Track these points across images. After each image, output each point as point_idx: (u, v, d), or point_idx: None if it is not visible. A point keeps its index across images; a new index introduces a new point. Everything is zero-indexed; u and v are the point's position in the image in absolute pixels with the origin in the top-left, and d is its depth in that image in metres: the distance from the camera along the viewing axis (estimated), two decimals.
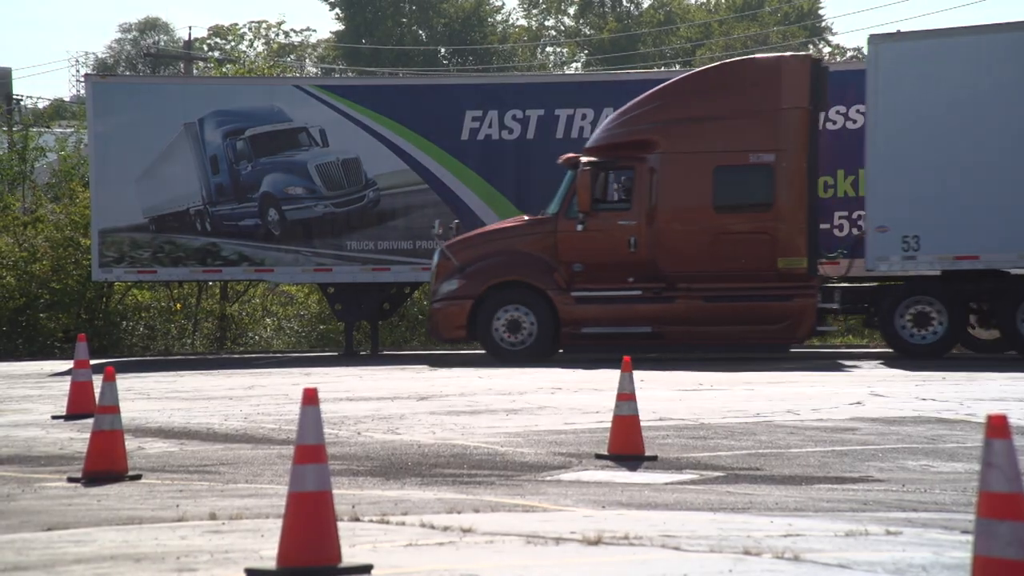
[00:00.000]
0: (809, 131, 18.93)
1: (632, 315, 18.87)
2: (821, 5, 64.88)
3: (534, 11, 69.04)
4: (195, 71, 45.73)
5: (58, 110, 57.45)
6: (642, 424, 9.72)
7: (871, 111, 18.76)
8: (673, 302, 18.81)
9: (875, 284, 19.41)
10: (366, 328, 23.37)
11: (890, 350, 19.20)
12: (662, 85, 19.68)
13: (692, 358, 18.62)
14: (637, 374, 10.30)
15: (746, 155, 18.83)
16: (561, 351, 19.49)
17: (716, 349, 19.00)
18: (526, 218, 20.00)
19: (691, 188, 18.97)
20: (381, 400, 13.76)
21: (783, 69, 19.12)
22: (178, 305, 26.02)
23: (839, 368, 17.44)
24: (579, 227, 18.94)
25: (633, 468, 9.14)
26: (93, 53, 77.24)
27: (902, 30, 22.11)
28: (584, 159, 19.04)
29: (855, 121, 20.38)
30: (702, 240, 18.86)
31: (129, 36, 73.44)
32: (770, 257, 18.71)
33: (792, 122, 18.85)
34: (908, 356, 18.45)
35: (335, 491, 5.77)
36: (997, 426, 4.47)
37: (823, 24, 62.82)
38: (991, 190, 18.14)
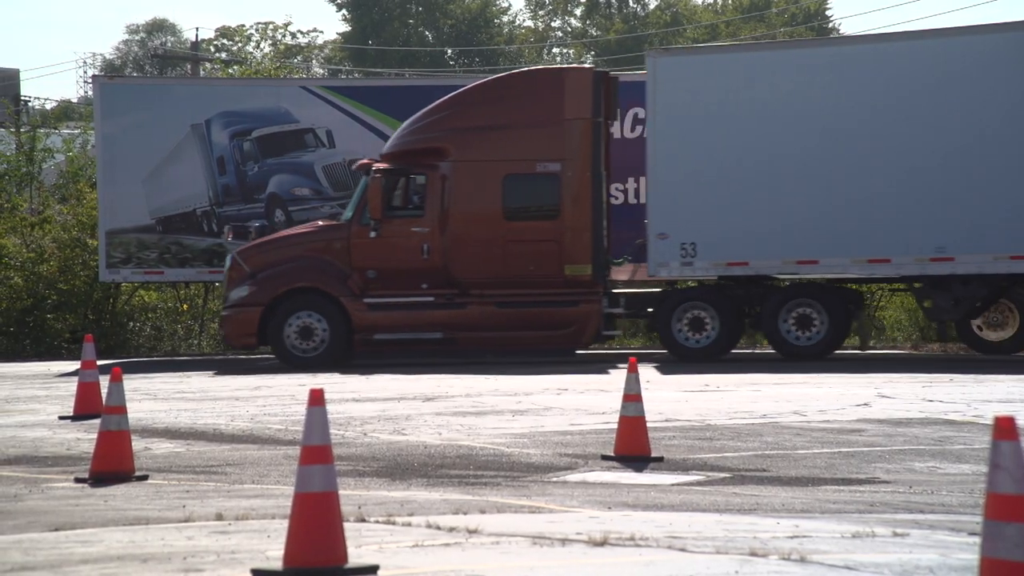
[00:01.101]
0: (593, 141, 19.23)
1: (425, 321, 19.02)
2: (828, 6, 64.83)
3: (540, 12, 69.06)
4: (202, 72, 45.80)
5: (65, 111, 57.58)
6: (648, 425, 9.72)
7: (650, 122, 19.48)
8: (465, 308, 19.02)
9: (658, 290, 20.08)
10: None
11: (666, 352, 19.68)
12: (454, 94, 19.93)
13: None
14: (643, 375, 10.29)
15: (533, 164, 19.17)
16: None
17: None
18: (320, 223, 20.15)
19: (482, 196, 19.23)
20: (387, 401, 13.77)
21: (566, 81, 19.47)
22: (185, 306, 26.05)
23: (847, 369, 17.42)
24: (372, 234, 19.04)
25: (639, 469, 9.13)
26: (100, 54, 77.45)
27: (678, 45, 22.90)
28: (376, 166, 19.19)
29: None
30: (493, 247, 19.10)
31: (136, 37, 73.57)
32: (557, 264, 19.06)
33: (576, 132, 19.18)
34: (683, 359, 19.01)
35: (341, 492, 5.77)
36: (1004, 428, 4.46)
37: (830, 25, 62.77)
38: (759, 200, 18.93)
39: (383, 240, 19.09)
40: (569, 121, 19.20)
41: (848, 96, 18.79)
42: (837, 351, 19.34)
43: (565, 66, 21.95)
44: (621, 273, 20.14)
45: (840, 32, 60.04)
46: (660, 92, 19.26)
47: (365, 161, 19.53)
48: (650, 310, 19.55)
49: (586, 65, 19.65)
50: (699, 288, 19.76)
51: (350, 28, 65.15)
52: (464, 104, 19.59)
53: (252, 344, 19.67)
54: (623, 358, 19.97)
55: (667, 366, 18.30)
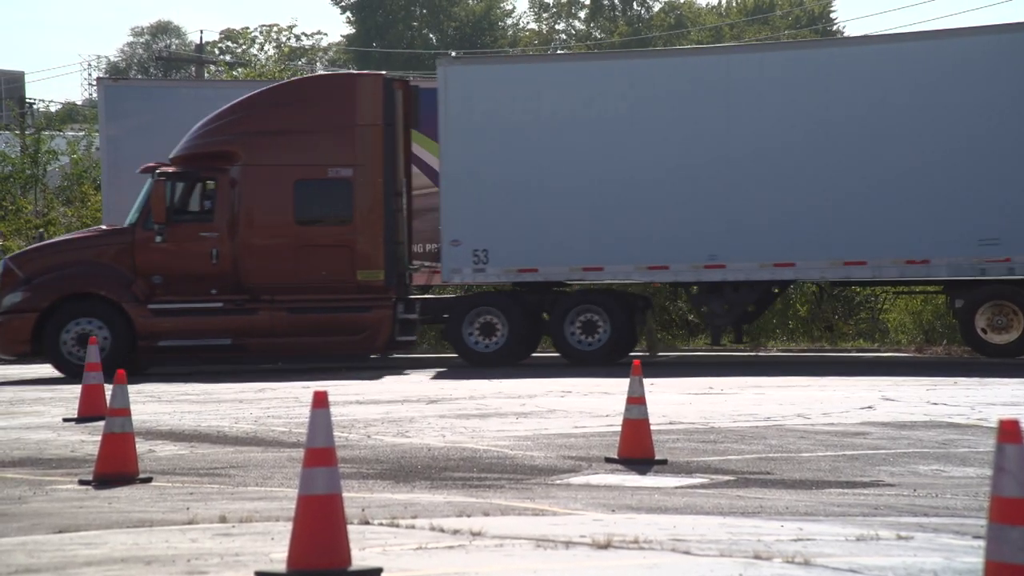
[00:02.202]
0: (385, 147, 19.27)
1: (212, 327, 18.85)
2: (833, 8, 64.79)
3: (544, 15, 69.07)
4: (207, 75, 45.83)
5: (70, 113, 57.65)
6: (652, 428, 9.71)
7: (442, 130, 19.78)
8: (255, 314, 18.84)
9: (451, 295, 20.47)
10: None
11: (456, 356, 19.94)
12: (244, 97, 19.96)
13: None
14: (646, 378, 10.29)
15: (325, 169, 19.17)
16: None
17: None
18: (104, 228, 20.06)
19: (273, 201, 19.17)
20: (391, 403, 13.78)
21: (357, 87, 19.59)
22: None
23: (850, 372, 17.40)
24: (158, 239, 18.88)
25: (643, 472, 9.13)
26: (105, 57, 77.54)
27: (468, 53, 23.44)
28: (161, 169, 19.05)
29: None
30: (285, 253, 19.03)
31: (141, 40, 73.67)
32: (350, 270, 19.06)
33: (368, 138, 19.23)
34: (475, 364, 19.24)
35: (345, 494, 5.77)
36: (1009, 431, 4.45)
37: (835, 27, 62.73)
38: (548, 208, 19.34)
39: (170, 245, 18.89)
40: (361, 127, 19.21)
41: (630, 109, 19.35)
42: (632, 354, 19.55)
43: (357, 72, 21.99)
44: (420, 278, 20.58)
45: (843, 34, 59.98)
46: (451, 101, 19.57)
47: (150, 164, 19.26)
48: (446, 316, 19.74)
49: (377, 72, 19.90)
50: (489, 294, 20.00)
51: (354, 30, 65.19)
52: (255, 108, 19.53)
53: (26, 352, 19.12)
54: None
55: (651, 368, 18.27)
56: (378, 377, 17.62)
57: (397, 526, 6.86)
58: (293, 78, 22.59)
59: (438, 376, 17.72)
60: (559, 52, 19.88)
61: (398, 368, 19.40)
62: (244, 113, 19.48)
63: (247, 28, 64.50)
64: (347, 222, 19.18)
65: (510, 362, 19.24)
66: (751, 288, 19.25)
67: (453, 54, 64.62)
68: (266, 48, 63.25)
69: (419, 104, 19.92)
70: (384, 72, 21.72)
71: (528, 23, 70.13)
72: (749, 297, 19.36)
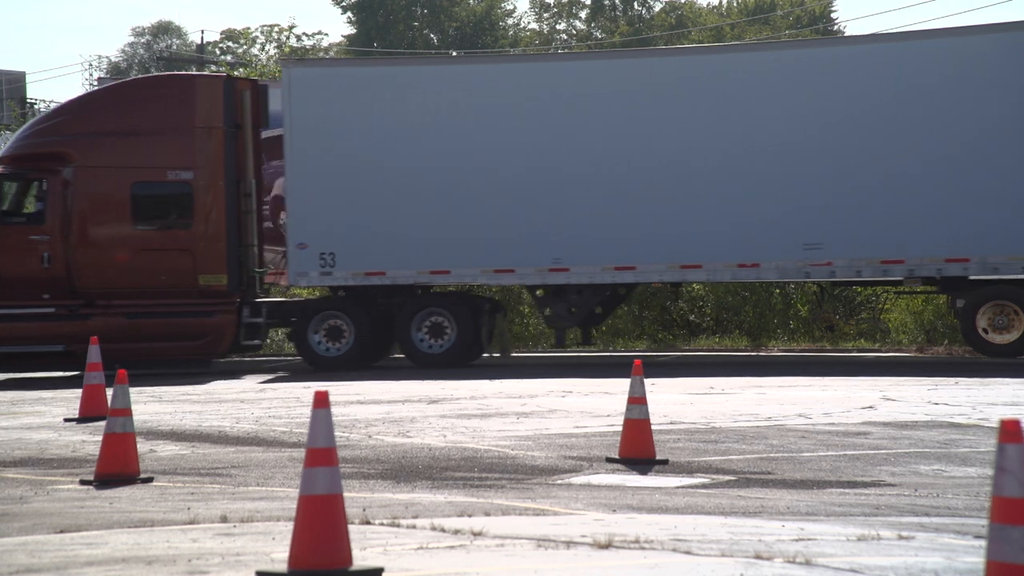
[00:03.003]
0: (227, 149, 19.17)
1: (44, 333, 18.54)
2: (834, 8, 64.79)
3: (545, 15, 69.08)
4: None
5: None
6: (653, 427, 9.71)
7: (287, 133, 19.64)
8: (90, 319, 18.51)
9: (298, 299, 20.40)
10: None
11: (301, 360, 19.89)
12: (78, 96, 19.91)
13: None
14: (647, 378, 10.29)
15: (164, 172, 19.04)
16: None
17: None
18: None
19: (109, 203, 18.97)
20: (392, 403, 13.77)
21: (196, 88, 19.41)
22: None
23: (852, 372, 17.40)
24: None
25: (644, 472, 9.13)
26: (106, 57, 77.50)
27: (312, 56, 23.59)
28: None
29: None
30: (122, 257, 18.84)
31: (142, 40, 73.67)
32: (191, 274, 18.92)
33: (208, 140, 19.13)
34: (320, 369, 19.20)
35: (346, 494, 5.77)
36: (1010, 431, 4.45)
37: (836, 28, 62.72)
38: (395, 212, 19.36)
39: None
40: (200, 129, 19.08)
41: (474, 114, 19.43)
42: (486, 356, 19.67)
43: (195, 73, 21.79)
44: (280, 280, 20.46)
45: (844, 33, 59.96)
46: (296, 103, 19.49)
47: None
48: (294, 319, 19.63)
49: (217, 73, 19.84)
50: (336, 298, 19.88)
51: (355, 31, 65.21)
52: (89, 108, 19.34)
53: None
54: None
55: (653, 368, 18.28)
56: (206, 381, 17.49)
57: (398, 526, 6.86)
58: (130, 78, 22.40)
59: (438, 378, 17.70)
60: (406, 56, 20.35)
61: (235, 373, 19.28)
62: (77, 113, 19.30)
63: (248, 28, 64.50)
64: (188, 226, 19.04)
65: (356, 367, 19.05)
66: (594, 291, 19.48)
67: (455, 54, 64.68)
68: (267, 48, 63.25)
69: (268, 104, 19.85)
70: (225, 73, 21.60)
71: (529, 23, 70.16)
72: (592, 300, 19.60)
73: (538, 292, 20.02)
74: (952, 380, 15.59)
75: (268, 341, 26.03)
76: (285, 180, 19.86)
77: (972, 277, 18.71)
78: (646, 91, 19.27)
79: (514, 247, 19.28)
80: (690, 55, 21.34)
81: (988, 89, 18.65)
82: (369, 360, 19.59)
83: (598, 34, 68.68)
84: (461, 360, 19.26)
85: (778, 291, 23.39)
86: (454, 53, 64.06)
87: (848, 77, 18.96)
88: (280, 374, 18.99)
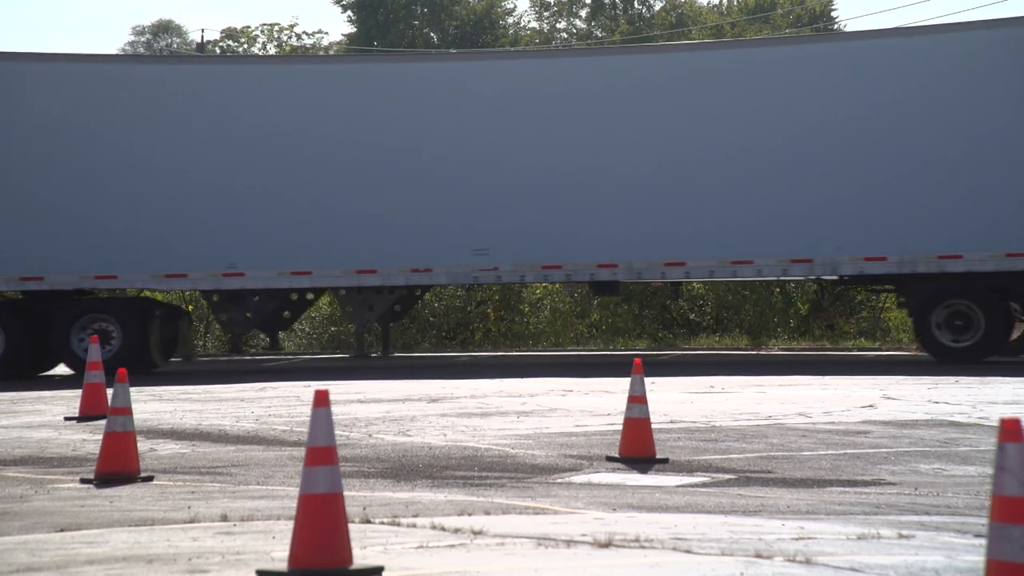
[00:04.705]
0: None
1: None
2: (834, 7, 64.76)
3: (546, 14, 69.05)
4: None
5: None
6: (653, 426, 9.71)
7: None
8: None
9: None
10: (377, 330, 23.39)
11: None
12: None
13: (272, 368, 19.17)
14: (647, 377, 10.29)
15: None
16: None
17: None
18: None
19: None
20: (392, 402, 13.77)
21: None
22: (190, 307, 26.07)
23: (852, 371, 17.40)
24: None
25: (644, 471, 9.13)
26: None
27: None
28: None
29: None
30: None
31: (142, 39, 73.62)
32: None
33: None
34: None
35: (346, 493, 5.77)
36: (1010, 430, 4.45)
37: (836, 27, 62.70)
38: (58, 213, 19.01)
39: None
40: None
41: (147, 111, 19.29)
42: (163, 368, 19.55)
43: None
44: None
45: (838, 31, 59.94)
46: None
47: None
48: None
49: None
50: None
51: (355, 29, 65.18)
52: None
53: None
54: None
55: (653, 367, 18.26)
56: (205, 381, 17.44)
57: (398, 525, 6.86)
58: None
59: (438, 377, 17.69)
60: (106, 55, 20.30)
61: (234, 373, 19.28)
62: None
63: (248, 27, 64.45)
64: None
65: (11, 375, 18.60)
66: (272, 296, 19.53)
67: (454, 52, 64.59)
68: (267, 47, 63.22)
69: None
70: None
71: (529, 22, 70.13)
72: (268, 305, 19.66)
73: (214, 298, 19.88)
74: (952, 379, 15.59)
75: (269, 340, 26.09)
76: None
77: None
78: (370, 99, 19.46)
79: (188, 251, 19.17)
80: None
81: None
82: (23, 368, 18.97)
83: (599, 33, 68.69)
84: (134, 367, 18.33)
85: (778, 290, 23.42)
86: (454, 52, 64.02)
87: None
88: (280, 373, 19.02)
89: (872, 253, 18.38)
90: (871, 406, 12.71)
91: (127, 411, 9.11)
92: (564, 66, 19.89)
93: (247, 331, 20.25)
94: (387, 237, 19.22)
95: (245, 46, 63.40)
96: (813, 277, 19.60)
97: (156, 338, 19.42)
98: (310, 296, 20.68)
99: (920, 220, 18.29)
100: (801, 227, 18.50)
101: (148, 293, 21.07)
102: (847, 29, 57.63)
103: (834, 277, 19.31)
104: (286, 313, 20.43)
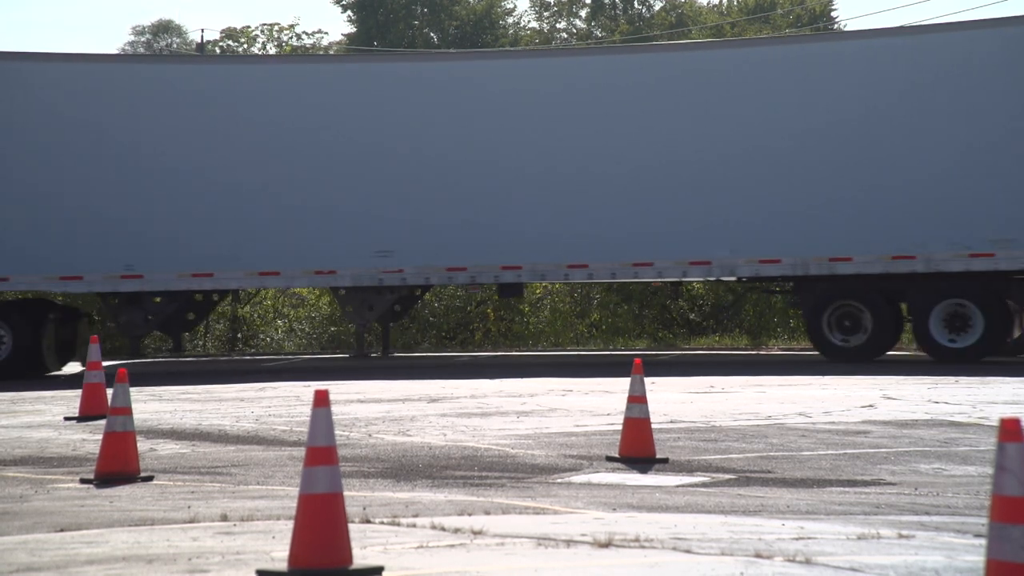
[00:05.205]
0: None
1: None
2: (834, 7, 64.77)
3: (546, 14, 69.04)
4: None
5: None
6: (653, 426, 9.71)
7: None
8: None
9: None
10: (377, 330, 23.40)
11: None
12: None
13: (272, 368, 19.18)
14: (647, 377, 10.29)
15: None
16: None
17: None
18: None
19: None
20: (392, 402, 13.77)
21: None
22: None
23: (852, 371, 17.40)
24: None
25: (644, 470, 9.13)
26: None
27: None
28: None
29: None
30: None
31: (142, 39, 73.60)
32: None
33: None
34: None
35: (346, 493, 5.77)
36: (1010, 430, 4.45)
37: (836, 27, 62.69)
38: None
39: None
40: None
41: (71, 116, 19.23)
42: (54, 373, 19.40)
43: None
44: None
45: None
46: None
47: None
48: None
49: None
50: None
51: (355, 29, 65.17)
52: None
53: None
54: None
55: (653, 367, 18.28)
56: (205, 381, 17.41)
57: (398, 525, 6.86)
58: None
59: (438, 377, 17.69)
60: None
61: (234, 372, 19.26)
62: None
63: (248, 27, 64.45)
64: None
65: None
66: (172, 298, 19.51)
67: (453, 52, 64.54)
68: (267, 47, 63.21)
69: None
70: None
71: (529, 22, 70.12)
72: (169, 307, 19.62)
73: (112, 300, 19.80)
74: (952, 379, 15.59)
75: (269, 340, 26.10)
76: None
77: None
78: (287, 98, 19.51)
79: (84, 252, 19.04)
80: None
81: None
82: None
83: (598, 32, 68.68)
84: (19, 372, 18.66)
85: (778, 289, 23.47)
86: (453, 51, 63.97)
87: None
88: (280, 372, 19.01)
89: (767, 255, 18.69)
90: (871, 406, 12.71)
91: (127, 411, 9.10)
92: (453, 68, 20.04)
93: (145, 333, 20.25)
94: (292, 239, 19.20)
95: (245, 46, 63.48)
96: (712, 279, 19.93)
97: (50, 341, 19.27)
98: (215, 297, 20.67)
99: (814, 224, 18.66)
100: (700, 230, 18.85)
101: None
102: (849, 28, 57.67)
103: (732, 278, 19.74)
104: (191, 315, 20.37)
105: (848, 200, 18.49)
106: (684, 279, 20.03)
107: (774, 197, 18.67)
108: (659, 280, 21.27)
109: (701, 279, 20.46)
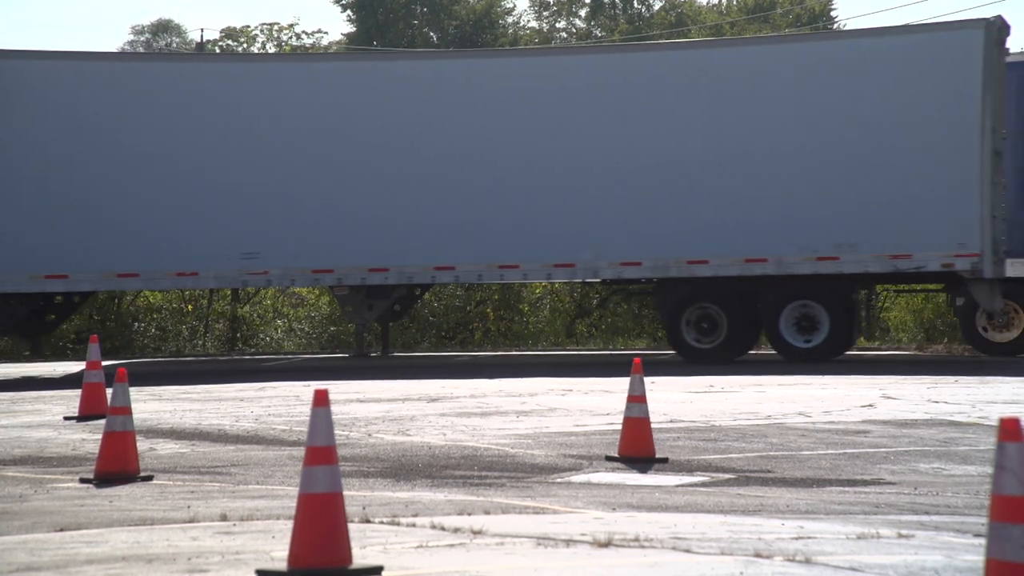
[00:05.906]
0: None
1: None
2: (834, 7, 64.77)
3: (545, 13, 69.04)
4: None
5: None
6: (653, 426, 9.71)
7: None
8: None
9: None
10: (377, 330, 23.40)
11: None
12: None
13: (272, 368, 19.19)
14: (647, 376, 10.29)
15: None
16: None
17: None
18: None
19: None
20: (392, 401, 13.77)
21: None
22: (189, 307, 26.09)
23: (851, 371, 17.41)
24: None
25: (644, 470, 9.13)
26: None
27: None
28: None
29: None
30: None
31: (141, 38, 73.57)
32: None
33: None
34: None
35: (346, 492, 5.77)
36: (1010, 429, 4.45)
37: (835, 26, 62.68)
38: None
39: None
40: None
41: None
42: None
43: None
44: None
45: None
46: None
47: None
48: None
49: None
50: None
51: (355, 29, 65.16)
52: None
53: None
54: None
55: (652, 366, 18.29)
56: (205, 380, 17.42)
57: (398, 524, 6.86)
58: None
59: (438, 376, 17.68)
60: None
61: (234, 372, 19.32)
62: None
63: (248, 26, 64.43)
64: None
65: None
66: (22, 300, 19.42)
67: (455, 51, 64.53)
68: (267, 46, 63.19)
69: None
70: None
71: (529, 21, 70.11)
72: (20, 310, 19.55)
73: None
74: (952, 378, 15.60)
75: (268, 340, 26.10)
76: None
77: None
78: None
79: None
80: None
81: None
82: None
83: (598, 32, 68.65)
84: None
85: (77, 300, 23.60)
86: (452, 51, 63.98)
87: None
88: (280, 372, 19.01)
89: (629, 258, 18.88)
90: (871, 406, 12.71)
91: (127, 411, 9.10)
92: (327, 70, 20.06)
93: (24, 335, 20.16)
94: (146, 241, 19.17)
95: (245, 46, 63.47)
96: (577, 280, 20.17)
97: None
98: (77, 299, 20.55)
99: (673, 227, 18.89)
100: (563, 233, 19.04)
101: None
102: (846, 28, 57.60)
103: (596, 280, 20.06)
104: (52, 316, 20.25)
105: (707, 204, 18.79)
106: (549, 280, 20.18)
107: (637, 202, 18.97)
108: (525, 282, 21.75)
109: (566, 280, 20.73)
